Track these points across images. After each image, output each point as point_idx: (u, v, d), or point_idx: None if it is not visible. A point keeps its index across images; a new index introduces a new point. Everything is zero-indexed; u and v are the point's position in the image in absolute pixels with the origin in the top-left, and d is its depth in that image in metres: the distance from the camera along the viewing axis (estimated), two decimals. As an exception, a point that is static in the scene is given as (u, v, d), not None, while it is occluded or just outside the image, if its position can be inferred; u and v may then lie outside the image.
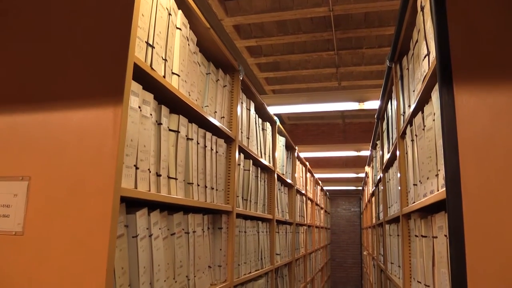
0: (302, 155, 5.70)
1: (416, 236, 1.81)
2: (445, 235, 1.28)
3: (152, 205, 1.44)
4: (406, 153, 2.05)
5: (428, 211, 1.63)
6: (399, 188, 2.16)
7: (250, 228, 2.68)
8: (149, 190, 1.38)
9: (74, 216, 1.13)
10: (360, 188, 10.08)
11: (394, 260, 2.77)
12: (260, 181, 3.06)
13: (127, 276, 1.26)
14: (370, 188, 5.65)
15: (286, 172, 4.20)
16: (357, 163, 7.58)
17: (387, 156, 2.98)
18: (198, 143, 1.84)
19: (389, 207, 3.03)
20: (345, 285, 11.28)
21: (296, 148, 4.73)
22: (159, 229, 1.46)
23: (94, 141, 1.16)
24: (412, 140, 1.82)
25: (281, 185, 3.93)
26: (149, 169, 1.40)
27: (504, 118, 0.92)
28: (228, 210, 2.15)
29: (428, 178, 1.48)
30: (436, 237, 1.48)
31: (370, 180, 5.79)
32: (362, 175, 8.06)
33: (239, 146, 2.36)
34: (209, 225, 2.02)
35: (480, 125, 0.92)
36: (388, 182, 3.10)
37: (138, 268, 1.29)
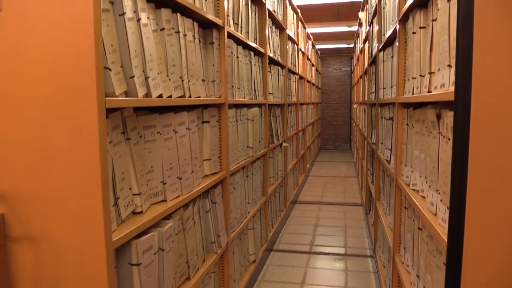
0: (294, 2, 5.41)
1: (413, 33, 1.76)
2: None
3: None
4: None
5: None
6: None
7: (243, 55, 2.62)
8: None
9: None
10: (352, 45, 9.89)
11: (386, 84, 2.78)
12: (251, 13, 2.92)
13: (118, 56, 1.22)
14: (363, 34, 5.49)
15: (277, 13, 4.02)
16: (350, 13, 7.26)
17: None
18: None
19: (386, 30, 2.95)
20: (334, 142, 11.79)
21: (287, -12, 4.47)
22: (148, 18, 1.39)
23: None
24: None
25: (272, 25, 3.78)
26: None
27: None
28: (219, 24, 2.06)
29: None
30: (435, 19, 1.43)
31: (363, 29, 5.60)
32: (355, 28, 7.82)
33: (226, -41, 2.18)
34: (200, 39, 1.95)
35: None
36: (384, 8, 2.98)
37: (129, 50, 1.25)
